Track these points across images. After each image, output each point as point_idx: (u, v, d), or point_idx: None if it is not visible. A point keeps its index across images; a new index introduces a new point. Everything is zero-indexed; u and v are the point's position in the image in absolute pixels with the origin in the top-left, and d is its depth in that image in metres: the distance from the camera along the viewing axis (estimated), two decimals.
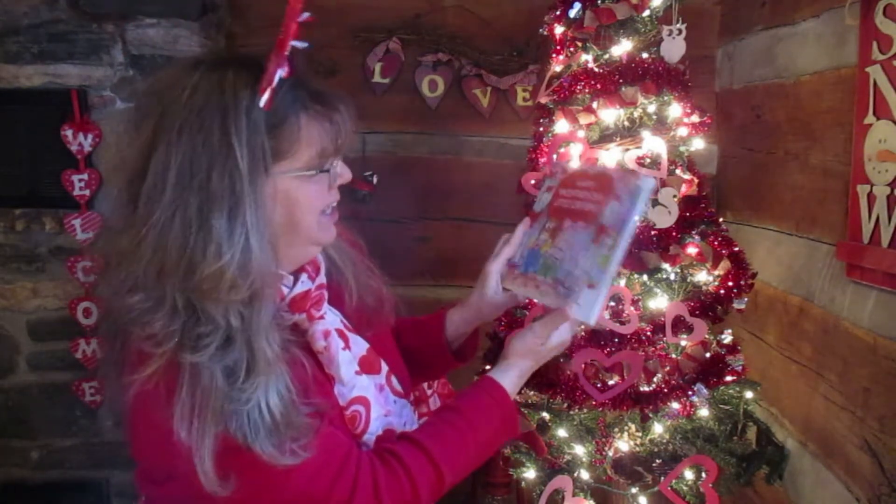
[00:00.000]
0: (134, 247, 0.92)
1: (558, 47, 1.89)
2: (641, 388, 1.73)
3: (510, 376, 1.15)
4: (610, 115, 1.80)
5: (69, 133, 2.35)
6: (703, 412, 1.80)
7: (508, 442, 1.75)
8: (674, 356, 1.79)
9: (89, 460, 2.53)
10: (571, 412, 1.79)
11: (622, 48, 1.80)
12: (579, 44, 1.85)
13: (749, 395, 1.89)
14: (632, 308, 1.69)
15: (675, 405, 1.73)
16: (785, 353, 2.00)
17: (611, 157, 1.78)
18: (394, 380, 1.19)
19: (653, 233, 1.74)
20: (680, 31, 1.78)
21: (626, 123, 1.81)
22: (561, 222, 1.18)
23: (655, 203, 1.73)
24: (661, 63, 1.79)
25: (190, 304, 0.92)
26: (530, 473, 1.88)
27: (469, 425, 1.09)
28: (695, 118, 1.80)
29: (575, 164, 1.70)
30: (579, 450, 1.81)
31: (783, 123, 2.05)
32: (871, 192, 1.54)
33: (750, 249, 2.05)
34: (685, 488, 1.76)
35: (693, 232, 1.78)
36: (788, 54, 2.01)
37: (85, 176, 2.37)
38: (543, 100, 1.93)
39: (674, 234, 1.74)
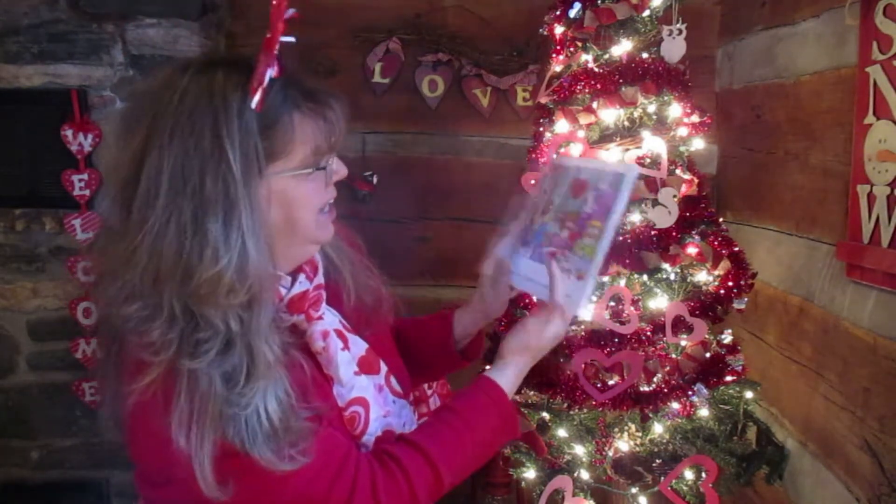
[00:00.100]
0: (129, 253, 0.92)
1: (558, 47, 1.89)
2: (641, 388, 1.73)
3: (507, 374, 1.15)
4: (610, 115, 1.80)
5: (69, 133, 2.35)
6: (703, 412, 1.80)
7: (509, 442, 1.75)
8: (674, 356, 1.79)
9: (89, 460, 2.52)
10: (571, 412, 1.80)
11: (622, 48, 1.80)
12: (579, 44, 1.85)
13: (749, 395, 1.89)
14: (632, 308, 1.69)
15: (675, 405, 1.73)
16: (785, 353, 2.00)
17: (611, 157, 1.78)
18: (393, 380, 1.19)
19: (653, 233, 1.74)
20: (680, 31, 1.78)
21: (626, 123, 1.81)
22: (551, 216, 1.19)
23: (655, 203, 1.73)
24: (661, 63, 1.79)
25: (188, 310, 0.92)
26: (530, 473, 1.88)
27: (466, 425, 1.09)
28: (695, 118, 1.80)
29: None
30: (579, 450, 1.81)
31: (783, 123, 2.05)
32: (871, 192, 1.54)
33: (750, 249, 2.05)
34: (685, 488, 1.76)
35: (693, 232, 1.78)
36: (788, 54, 2.01)
37: (85, 176, 2.37)
38: (543, 100, 1.93)
39: (674, 234, 1.74)
